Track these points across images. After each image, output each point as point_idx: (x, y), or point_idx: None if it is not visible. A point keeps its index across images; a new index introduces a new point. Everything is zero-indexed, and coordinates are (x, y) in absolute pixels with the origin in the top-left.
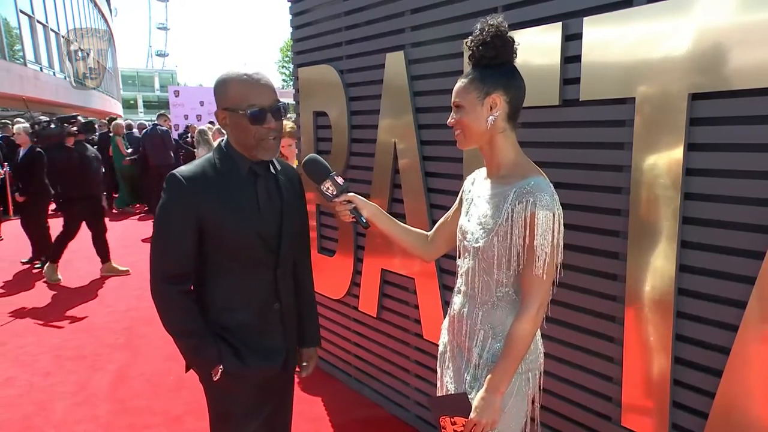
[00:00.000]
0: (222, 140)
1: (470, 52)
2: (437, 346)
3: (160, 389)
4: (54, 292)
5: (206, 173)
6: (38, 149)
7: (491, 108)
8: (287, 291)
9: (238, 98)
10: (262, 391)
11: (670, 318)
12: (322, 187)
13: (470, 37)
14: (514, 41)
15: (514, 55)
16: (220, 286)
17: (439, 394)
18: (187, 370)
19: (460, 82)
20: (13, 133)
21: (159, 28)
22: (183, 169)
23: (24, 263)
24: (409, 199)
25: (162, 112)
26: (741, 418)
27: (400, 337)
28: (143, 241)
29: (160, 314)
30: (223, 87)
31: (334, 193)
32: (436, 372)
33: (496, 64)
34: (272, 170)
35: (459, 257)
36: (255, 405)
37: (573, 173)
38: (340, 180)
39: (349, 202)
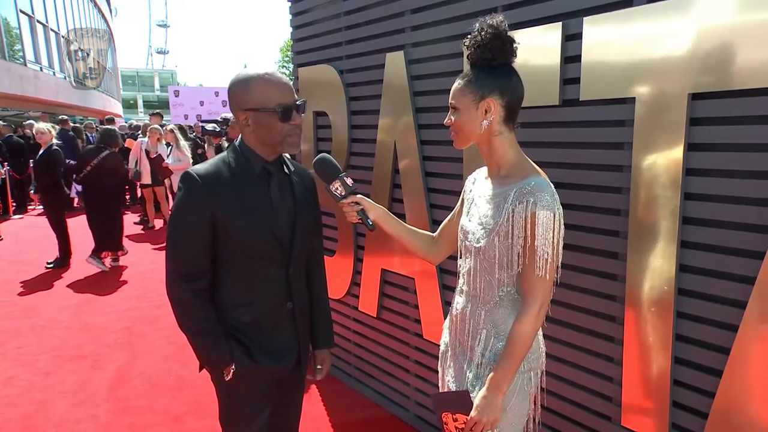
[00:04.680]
0: (236, 140)
1: (467, 52)
2: (437, 345)
3: (160, 389)
4: (53, 292)
5: (221, 172)
6: (55, 147)
7: (486, 112)
8: (300, 290)
9: (264, 98)
10: (272, 390)
11: (670, 318)
12: (331, 187)
13: (468, 37)
14: (513, 42)
15: (514, 56)
16: (232, 285)
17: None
18: (201, 369)
19: (457, 83)
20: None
21: (159, 26)
22: (198, 168)
23: (48, 266)
24: (409, 199)
25: (157, 111)
26: (741, 418)
27: (400, 337)
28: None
29: (175, 312)
30: (245, 88)
31: (343, 193)
32: (436, 372)
33: (493, 65)
34: (285, 170)
35: (460, 257)
36: (265, 403)
37: (573, 173)
38: (349, 181)
39: (356, 203)
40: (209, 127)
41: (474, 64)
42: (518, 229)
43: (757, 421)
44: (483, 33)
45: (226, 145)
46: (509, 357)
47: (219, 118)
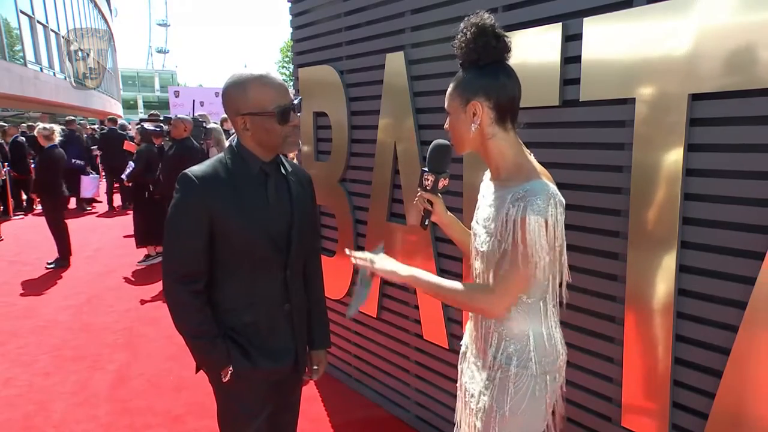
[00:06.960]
0: (233, 141)
1: (456, 54)
2: (437, 346)
3: (160, 389)
4: (53, 292)
5: (218, 173)
6: (58, 149)
7: (474, 115)
8: (297, 291)
9: (261, 101)
10: (269, 391)
11: (670, 318)
12: (426, 174)
13: (456, 38)
14: (501, 38)
15: (506, 53)
16: (230, 286)
17: (459, 392)
18: (198, 371)
19: (449, 87)
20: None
21: (159, 25)
22: (195, 169)
23: (49, 266)
24: (409, 199)
25: (154, 111)
26: (741, 418)
27: (400, 337)
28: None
29: (171, 314)
30: (242, 92)
31: (428, 188)
32: (436, 372)
33: (481, 66)
34: (282, 171)
35: (471, 258)
36: (262, 405)
37: (573, 173)
38: (441, 184)
39: (430, 203)
40: (149, 126)
41: (462, 66)
42: (509, 233)
43: (758, 421)
44: (467, 33)
45: (167, 147)
46: (434, 283)
47: (161, 117)
